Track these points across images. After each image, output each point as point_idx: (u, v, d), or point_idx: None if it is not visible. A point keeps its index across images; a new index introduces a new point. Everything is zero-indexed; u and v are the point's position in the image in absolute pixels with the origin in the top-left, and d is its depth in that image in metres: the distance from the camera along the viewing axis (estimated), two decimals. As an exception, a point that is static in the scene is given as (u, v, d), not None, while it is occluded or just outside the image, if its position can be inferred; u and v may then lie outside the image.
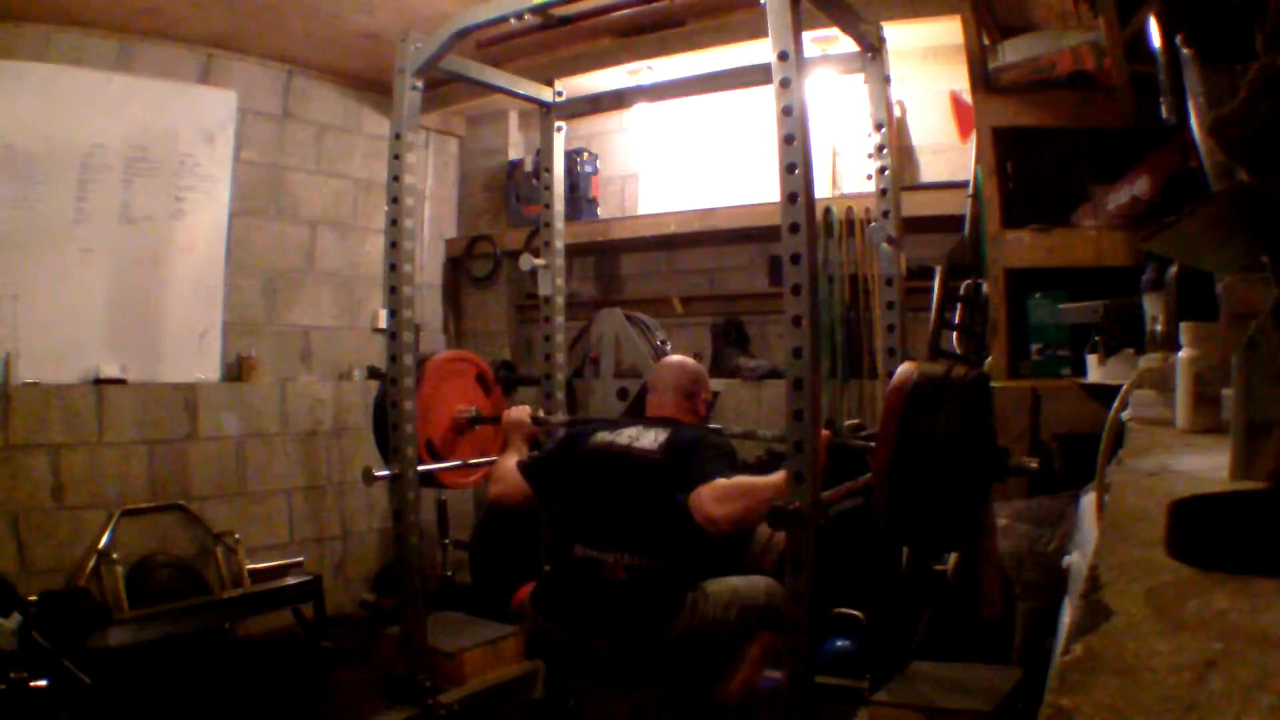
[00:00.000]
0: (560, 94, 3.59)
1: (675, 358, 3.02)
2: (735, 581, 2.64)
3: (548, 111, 3.61)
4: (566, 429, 3.18)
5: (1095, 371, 2.91)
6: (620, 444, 2.68)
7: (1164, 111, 2.47)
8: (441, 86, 4.52)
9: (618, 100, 4.20)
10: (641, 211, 5.01)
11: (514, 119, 5.44)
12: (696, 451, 2.57)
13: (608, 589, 2.52)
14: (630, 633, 2.48)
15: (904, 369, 2.38)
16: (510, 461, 2.89)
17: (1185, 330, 1.59)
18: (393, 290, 3.02)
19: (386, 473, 2.97)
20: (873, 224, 2.78)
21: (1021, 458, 2.61)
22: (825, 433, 2.43)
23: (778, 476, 2.33)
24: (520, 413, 3.13)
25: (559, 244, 3.61)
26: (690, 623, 2.50)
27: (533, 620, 2.66)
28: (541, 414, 3.30)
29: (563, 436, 3.02)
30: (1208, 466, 1.23)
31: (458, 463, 3.29)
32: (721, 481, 2.45)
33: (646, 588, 2.50)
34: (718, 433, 2.80)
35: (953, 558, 3.33)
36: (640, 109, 4.84)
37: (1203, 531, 0.80)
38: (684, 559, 2.55)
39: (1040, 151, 3.36)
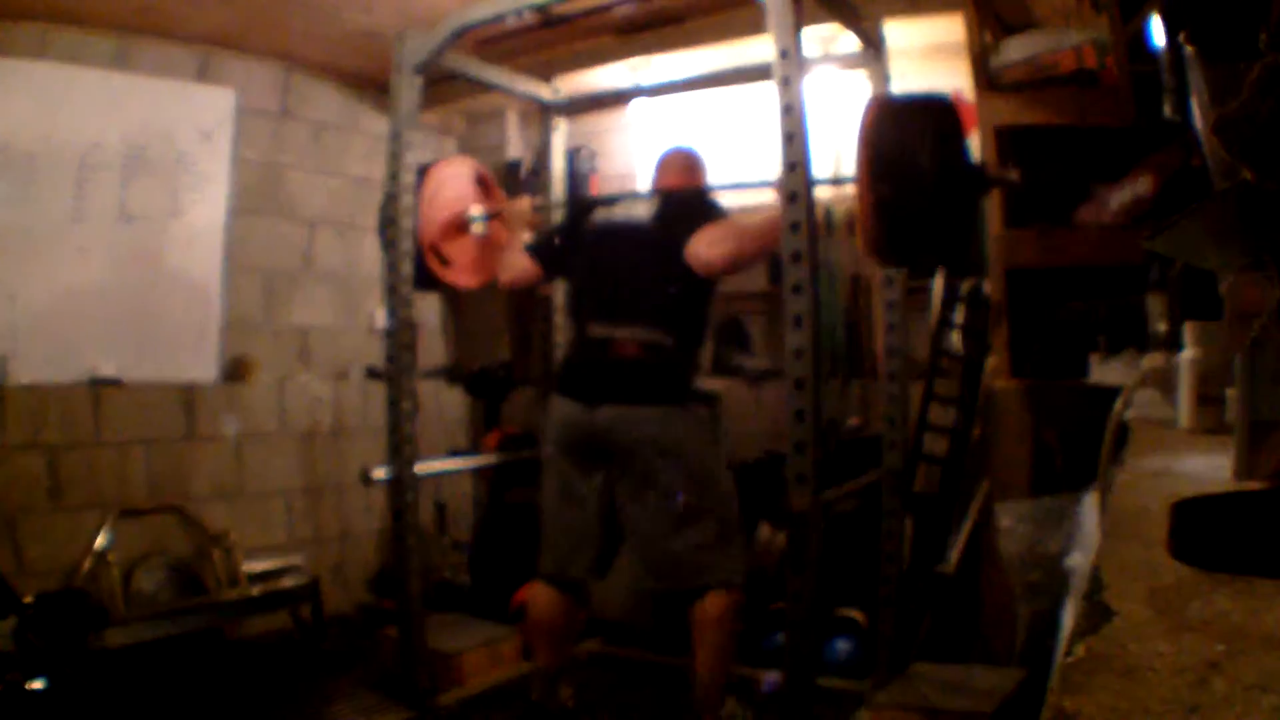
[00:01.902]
0: (559, 92, 3.59)
1: (677, 146, 3.14)
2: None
3: (547, 110, 3.61)
4: (567, 211, 3.29)
5: (1097, 371, 2.91)
6: (618, 220, 2.85)
7: (1166, 110, 2.46)
8: (440, 85, 4.50)
9: (617, 98, 4.20)
10: (641, 211, 5.00)
11: (513, 117, 5.42)
12: (683, 209, 2.75)
13: (622, 365, 2.66)
14: (637, 402, 2.62)
15: (871, 97, 2.61)
16: (516, 248, 3.04)
17: (1188, 330, 1.59)
18: (392, 290, 3.02)
19: (385, 473, 2.97)
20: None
21: (999, 170, 2.81)
22: None
23: (765, 214, 2.43)
24: (522, 204, 3.22)
25: (558, 243, 3.60)
26: (688, 423, 2.63)
27: (553, 405, 2.81)
28: (540, 201, 3.38)
29: (564, 218, 3.17)
30: (1210, 467, 1.22)
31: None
32: (710, 227, 2.60)
33: (659, 362, 2.65)
34: (702, 194, 2.91)
35: (954, 557, 3.32)
36: (640, 106, 4.83)
37: (1205, 532, 0.80)
38: (691, 329, 2.72)
39: (1042, 150, 3.35)
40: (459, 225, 3.28)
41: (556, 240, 3.03)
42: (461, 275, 3.32)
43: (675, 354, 2.67)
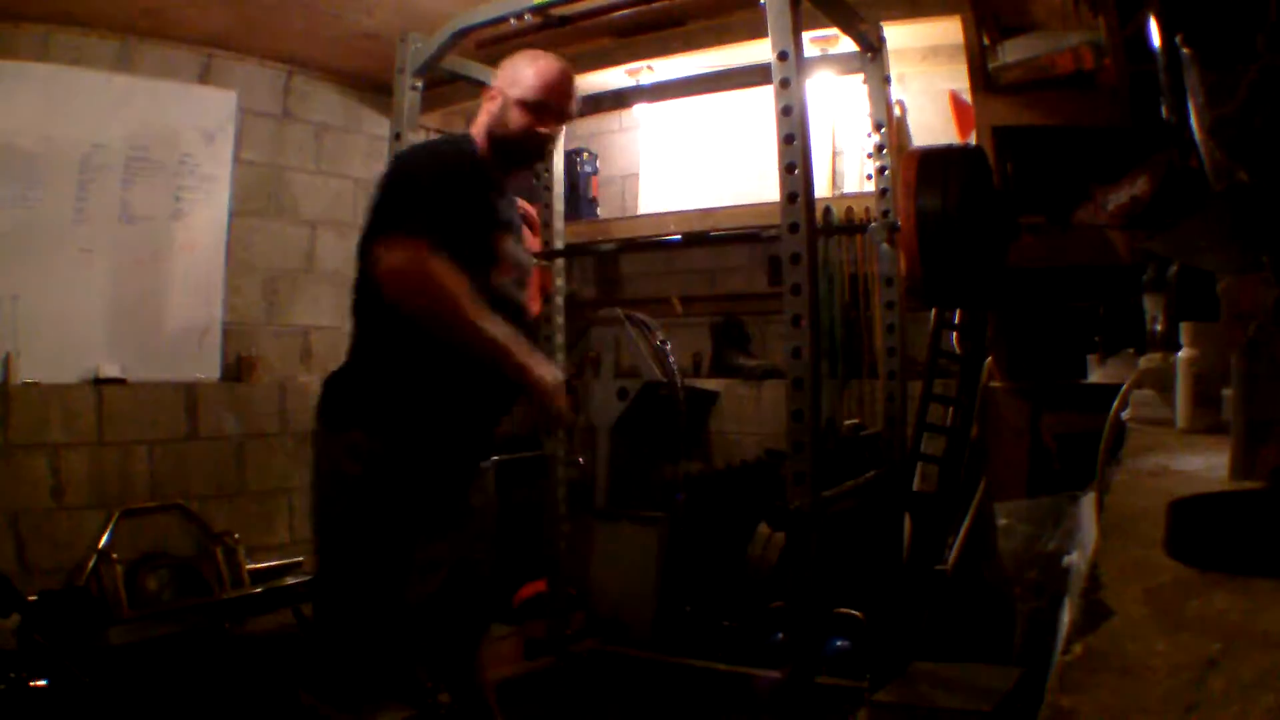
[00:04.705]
0: (560, 94, 3.59)
1: None
2: None
3: (548, 112, 3.60)
4: None
5: (1095, 371, 2.91)
6: None
7: (1164, 111, 2.47)
8: (441, 86, 4.50)
9: (617, 100, 4.20)
10: (641, 211, 5.00)
11: (514, 119, 5.42)
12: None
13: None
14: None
15: (910, 150, 2.82)
16: None
17: (1185, 330, 1.59)
18: (393, 290, 3.01)
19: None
20: (872, 224, 2.79)
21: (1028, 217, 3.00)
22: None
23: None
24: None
25: (559, 244, 3.61)
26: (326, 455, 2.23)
27: None
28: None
29: None
30: (1207, 466, 1.23)
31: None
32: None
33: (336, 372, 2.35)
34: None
35: (952, 556, 3.33)
36: (640, 109, 4.83)
37: (1202, 531, 0.81)
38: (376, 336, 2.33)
39: (1040, 151, 3.36)
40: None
41: None
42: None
43: (352, 364, 2.25)
